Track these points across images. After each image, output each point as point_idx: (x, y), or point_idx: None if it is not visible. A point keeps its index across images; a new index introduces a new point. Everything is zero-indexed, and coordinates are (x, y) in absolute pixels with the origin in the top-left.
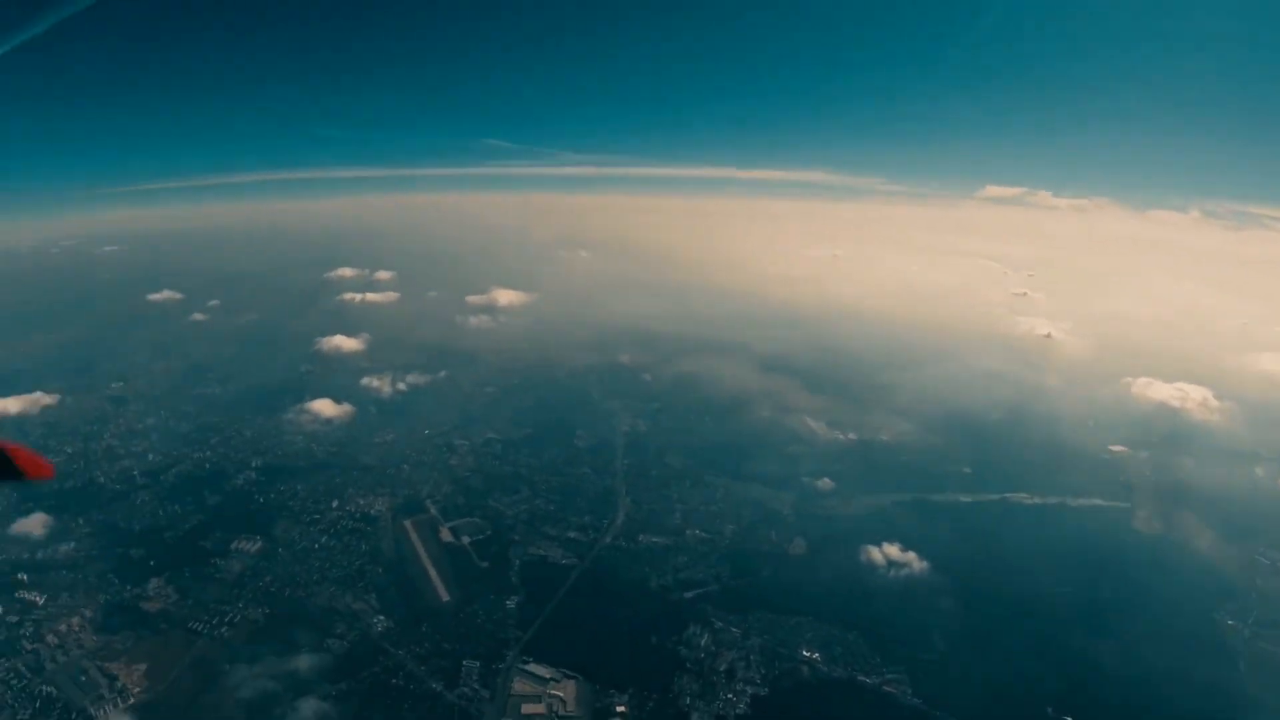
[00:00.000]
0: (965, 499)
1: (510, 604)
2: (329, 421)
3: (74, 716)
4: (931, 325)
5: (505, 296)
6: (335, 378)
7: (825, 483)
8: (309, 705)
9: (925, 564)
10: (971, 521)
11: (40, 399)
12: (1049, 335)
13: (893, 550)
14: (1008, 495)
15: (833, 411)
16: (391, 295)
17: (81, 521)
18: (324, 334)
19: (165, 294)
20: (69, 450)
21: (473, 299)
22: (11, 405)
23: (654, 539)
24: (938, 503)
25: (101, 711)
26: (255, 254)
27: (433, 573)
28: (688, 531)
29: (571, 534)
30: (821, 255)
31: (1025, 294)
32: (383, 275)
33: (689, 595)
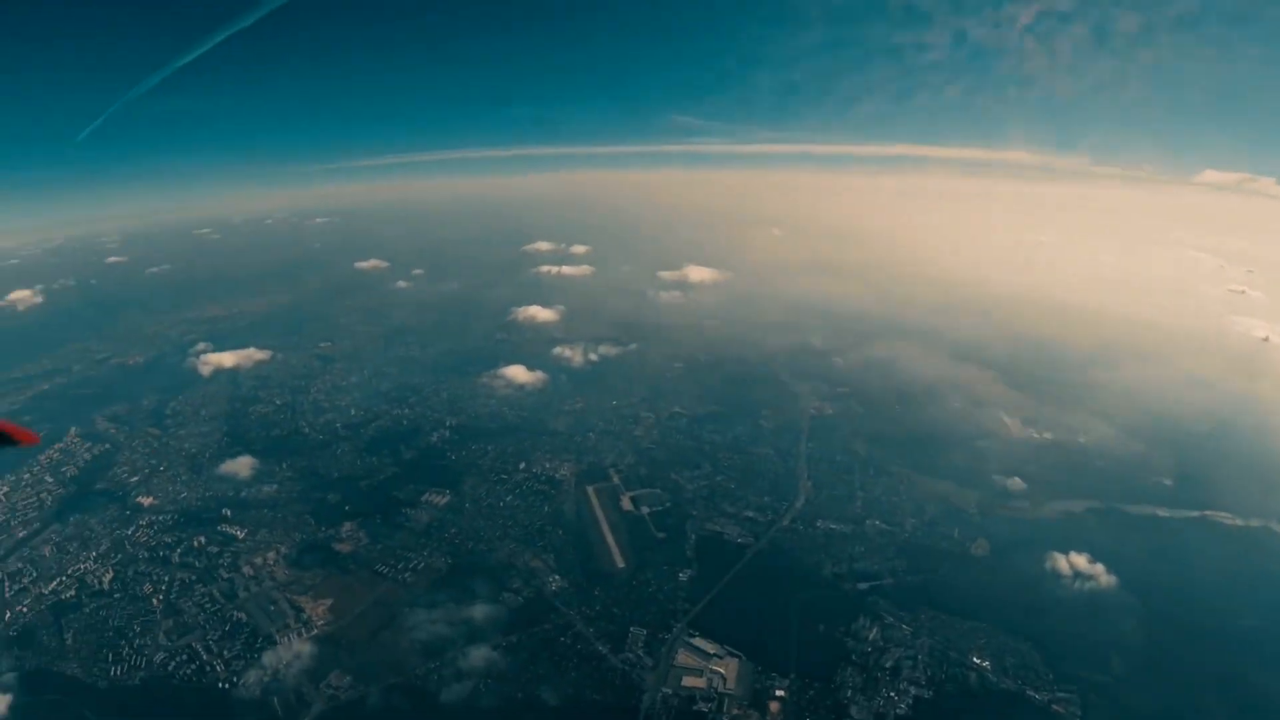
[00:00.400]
0: (1162, 513)
1: (683, 577)
2: (521, 387)
3: (259, 641)
4: (1139, 321)
5: (697, 273)
6: (529, 346)
7: (1015, 482)
8: (479, 653)
9: (1113, 579)
10: (1167, 538)
11: (254, 354)
12: (1267, 339)
13: (1080, 561)
14: (1208, 513)
15: (1028, 408)
16: (586, 269)
17: (285, 466)
18: (520, 304)
19: (372, 263)
20: (278, 401)
21: (665, 275)
22: (228, 359)
23: (832, 526)
24: (1132, 515)
25: (285, 639)
26: (456, 227)
27: (610, 539)
28: (867, 521)
29: (749, 513)
30: (1022, 239)
31: (1243, 291)
32: (578, 249)
33: (862, 586)
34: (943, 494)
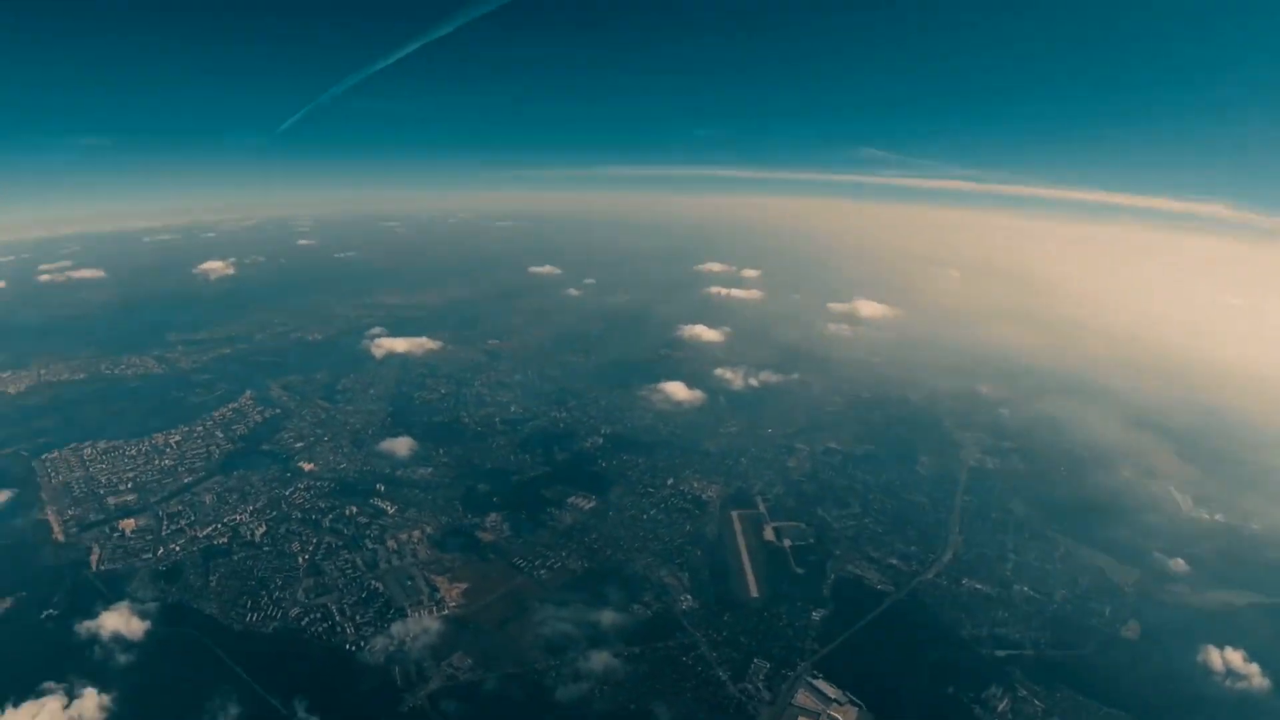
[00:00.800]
0: None
1: (815, 616)
2: (679, 404)
3: (391, 612)
4: None
5: (868, 308)
6: (691, 364)
7: (1178, 564)
8: (600, 657)
9: (1266, 681)
10: None
11: (425, 343)
12: None
13: (1235, 658)
14: None
15: (1202, 484)
16: (756, 293)
17: (441, 452)
18: (687, 322)
19: (546, 268)
20: (442, 390)
21: (835, 306)
22: (400, 345)
23: (977, 585)
24: None
25: (416, 614)
26: (632, 241)
27: (748, 567)
28: (1015, 586)
29: (893, 560)
30: (1216, 301)
31: None
32: (749, 273)
33: (999, 654)
34: (1099, 567)
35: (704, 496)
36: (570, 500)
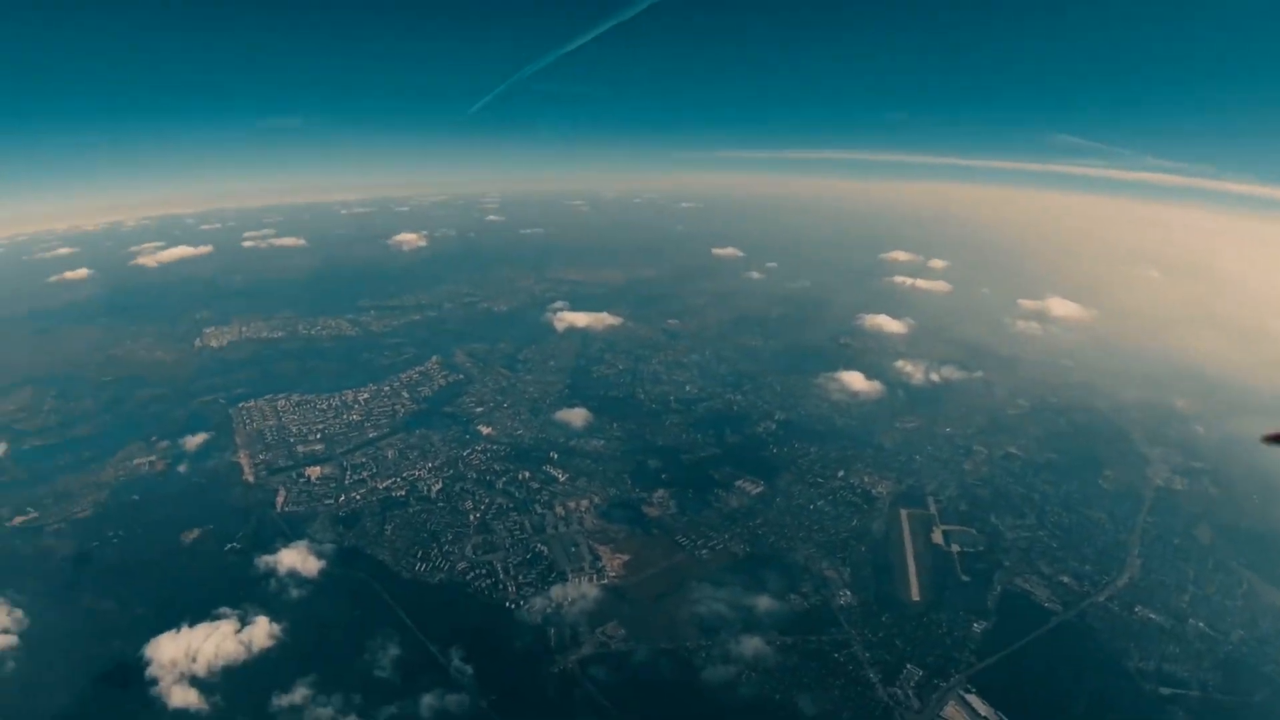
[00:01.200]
0: None
1: (976, 627)
2: (856, 395)
3: (552, 575)
4: None
5: (1060, 306)
6: (871, 355)
7: None
8: (751, 643)
9: None
10: None
11: (606, 319)
12: None
13: None
14: None
15: None
16: (942, 285)
17: (615, 426)
18: (869, 311)
19: (729, 250)
20: (619, 366)
21: (1025, 303)
22: (581, 319)
23: (1151, 615)
24: None
25: (577, 580)
26: (816, 226)
27: (912, 569)
28: (1190, 620)
29: (1064, 578)
30: None
31: None
32: (936, 264)
33: (1164, 691)
34: None
35: (874, 492)
36: (738, 483)
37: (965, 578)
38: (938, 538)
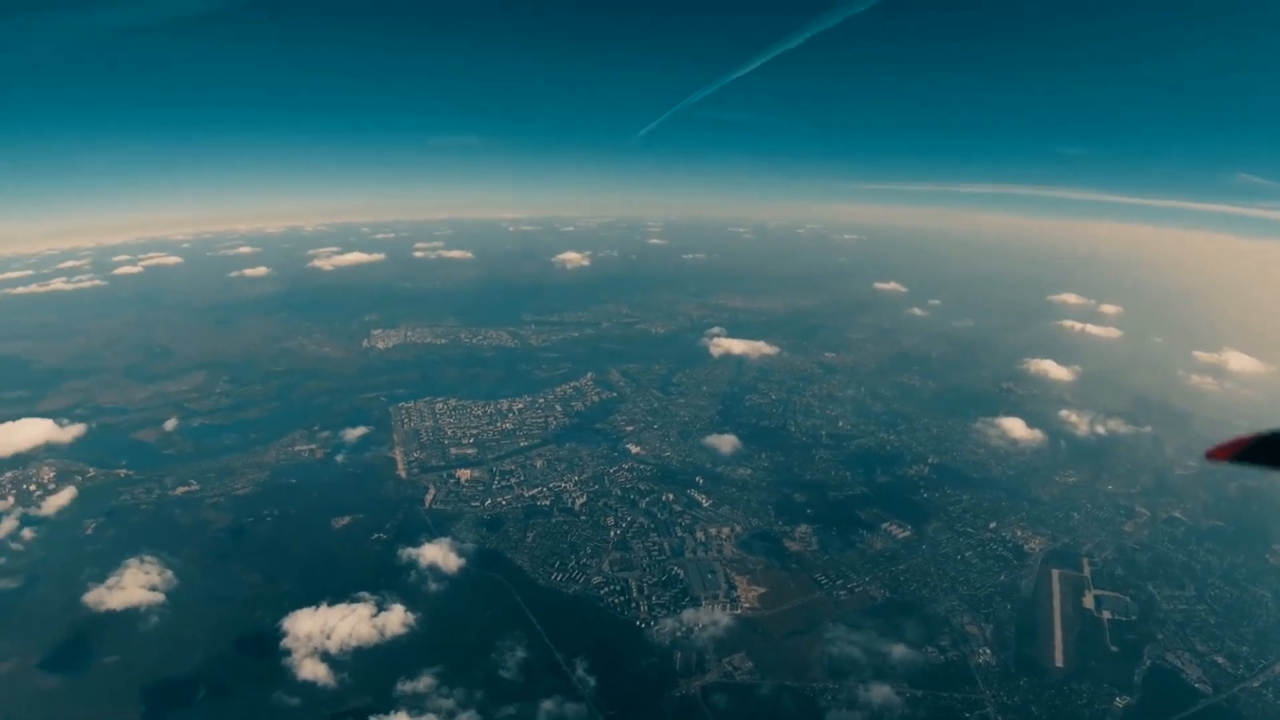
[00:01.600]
0: None
1: (1119, 702)
2: (1015, 443)
3: (686, 599)
4: None
5: (1237, 360)
6: (1033, 402)
7: None
8: (880, 691)
9: None
10: None
11: (762, 347)
12: None
13: None
14: None
15: None
16: (1113, 331)
17: (763, 456)
18: (1034, 355)
19: (891, 285)
20: (773, 396)
21: (1201, 355)
22: (737, 346)
23: None
24: None
25: (708, 606)
26: (983, 263)
27: (1058, 633)
28: None
29: (1219, 658)
30: None
31: None
32: (1108, 309)
33: None
34: None
35: (1026, 547)
36: (885, 526)
37: (1114, 648)
38: (1089, 602)
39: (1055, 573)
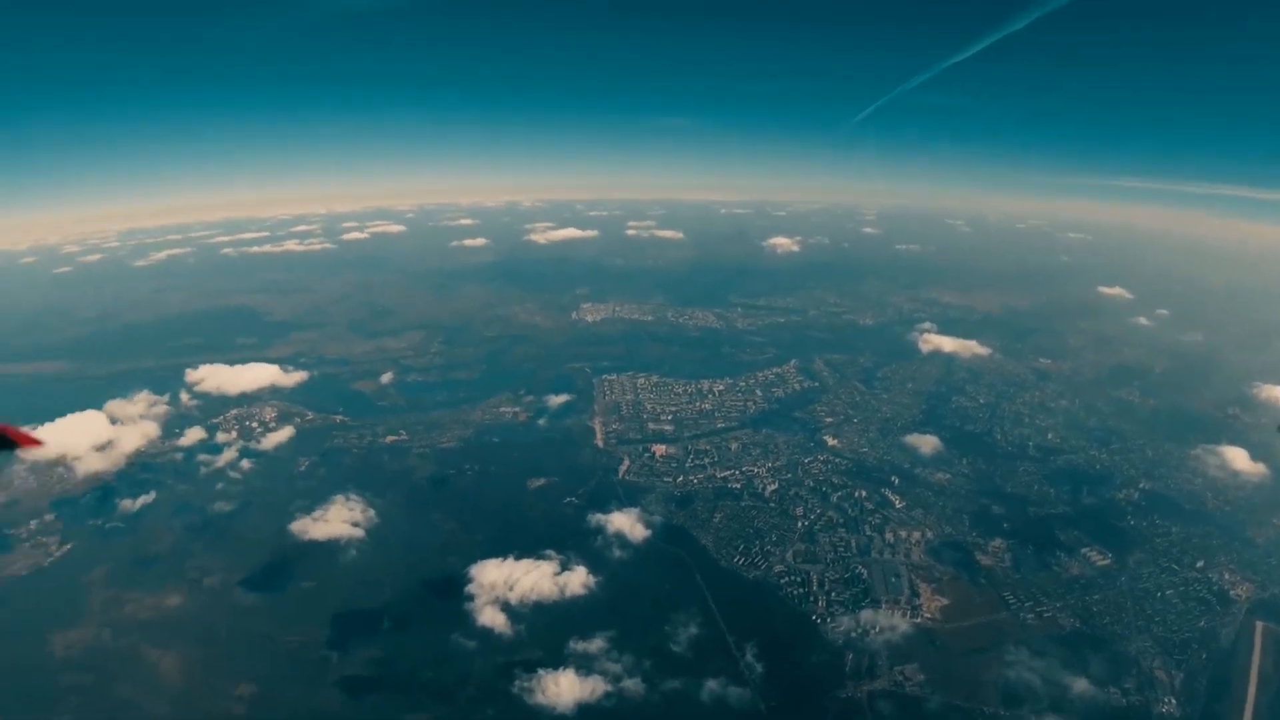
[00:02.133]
0: None
1: None
2: (1235, 475)
3: (865, 600)
4: None
5: None
6: (1262, 431)
7: None
8: None
9: None
10: None
11: (974, 347)
12: None
13: None
14: None
15: None
16: None
17: (964, 462)
18: (1268, 380)
19: (1116, 290)
20: (980, 400)
21: None
22: (947, 344)
23: None
24: None
25: (888, 610)
26: (1221, 273)
27: (1251, 692)
28: None
29: None
30: None
31: None
32: None
33: None
34: None
35: (1232, 593)
36: (1084, 550)
37: None
38: None
39: (1260, 625)
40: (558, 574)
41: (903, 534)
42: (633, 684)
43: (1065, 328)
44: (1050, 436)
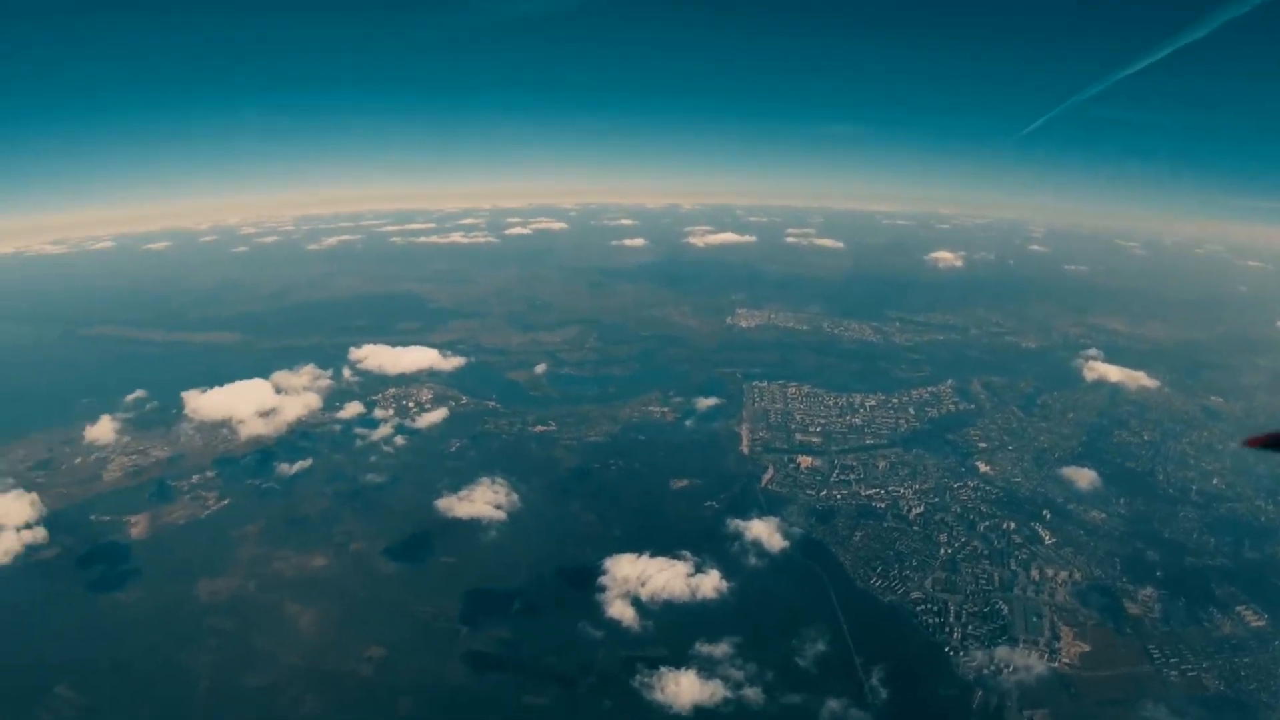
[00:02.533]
0: None
1: None
2: None
3: (1002, 637)
4: None
5: None
6: None
7: None
8: None
9: None
10: None
11: (1142, 379)
12: None
13: None
14: None
15: None
16: None
17: (1122, 501)
18: None
19: None
20: (1145, 436)
21: None
22: (1114, 373)
23: None
24: None
25: (1025, 650)
26: None
27: None
28: None
29: None
30: None
31: None
32: None
33: None
34: None
35: None
36: (1238, 608)
37: None
38: None
39: None
40: (691, 575)
41: (1049, 572)
42: (753, 693)
43: (1241, 364)
44: (1216, 481)
